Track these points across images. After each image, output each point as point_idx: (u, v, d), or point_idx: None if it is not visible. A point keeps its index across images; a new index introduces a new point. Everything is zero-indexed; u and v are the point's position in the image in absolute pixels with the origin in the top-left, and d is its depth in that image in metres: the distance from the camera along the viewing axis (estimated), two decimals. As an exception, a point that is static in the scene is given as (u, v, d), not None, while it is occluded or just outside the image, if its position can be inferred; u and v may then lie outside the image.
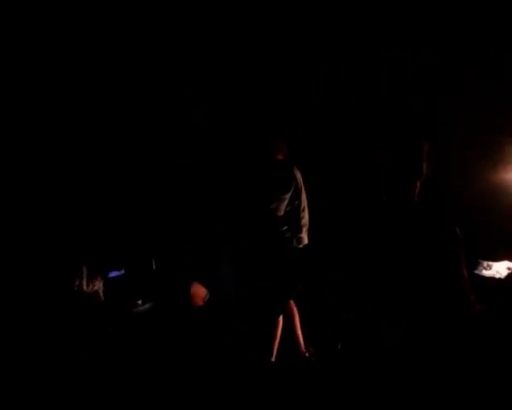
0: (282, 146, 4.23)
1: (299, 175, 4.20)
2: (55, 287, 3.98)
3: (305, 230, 4.23)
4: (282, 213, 4.09)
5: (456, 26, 4.95)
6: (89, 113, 4.92)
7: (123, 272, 4.23)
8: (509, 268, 4.44)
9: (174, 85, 5.07)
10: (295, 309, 4.30)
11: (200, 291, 3.95)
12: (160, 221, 4.33)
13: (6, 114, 4.66)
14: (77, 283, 3.97)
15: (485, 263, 4.46)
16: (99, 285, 4.06)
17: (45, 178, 4.69)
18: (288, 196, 4.10)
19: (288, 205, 4.12)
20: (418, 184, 3.79)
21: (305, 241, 4.24)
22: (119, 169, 4.93)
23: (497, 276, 4.38)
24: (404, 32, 5.03)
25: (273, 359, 4.08)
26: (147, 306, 4.08)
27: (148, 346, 3.75)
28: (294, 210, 4.16)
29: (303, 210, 4.23)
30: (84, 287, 3.98)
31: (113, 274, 4.21)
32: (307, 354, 4.21)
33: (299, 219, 4.19)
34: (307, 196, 4.31)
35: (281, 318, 4.19)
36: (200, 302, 3.94)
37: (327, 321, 4.55)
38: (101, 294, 4.07)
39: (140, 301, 4.10)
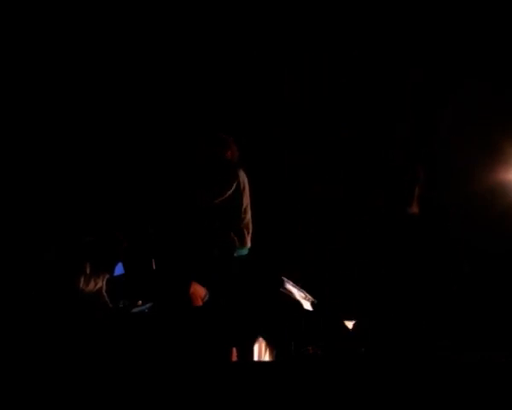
0: (230, 145, 4.20)
1: (243, 176, 4.18)
2: (57, 285, 4.00)
3: (246, 232, 4.20)
4: (221, 211, 4.09)
5: (456, 27, 4.96)
6: (90, 116, 4.96)
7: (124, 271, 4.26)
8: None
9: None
10: None
11: (199, 291, 3.95)
12: (160, 221, 4.34)
13: (6, 115, 4.68)
14: (80, 281, 3.99)
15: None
16: (102, 284, 4.08)
17: (48, 176, 4.72)
18: (228, 193, 4.07)
19: (228, 204, 4.11)
20: None
21: (248, 243, 4.21)
22: (121, 169, 4.96)
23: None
24: (404, 39, 5.05)
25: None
26: (147, 306, 4.09)
27: (147, 346, 3.75)
28: (235, 210, 4.15)
29: (244, 212, 4.20)
30: (88, 284, 4.01)
31: (118, 272, 4.23)
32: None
33: (240, 219, 4.17)
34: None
35: None
36: (199, 302, 3.94)
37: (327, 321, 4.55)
38: (104, 293, 4.08)
39: (140, 302, 4.12)
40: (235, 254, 4.13)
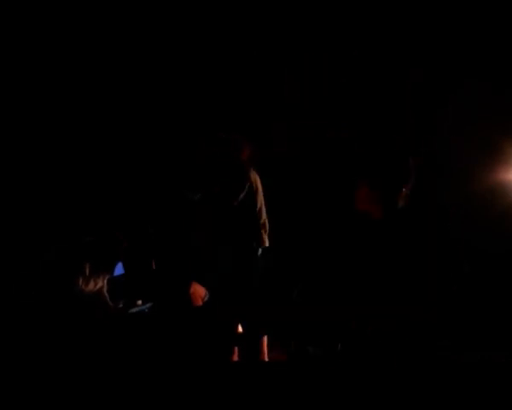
0: (241, 145, 4.07)
1: (255, 176, 4.12)
2: (57, 285, 4.00)
3: (264, 231, 4.17)
4: (235, 212, 4.04)
5: (456, 28, 4.96)
6: (90, 116, 4.97)
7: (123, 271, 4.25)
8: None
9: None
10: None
11: (199, 291, 3.95)
12: (160, 220, 4.34)
13: (6, 115, 4.68)
14: (80, 281, 3.99)
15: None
16: (102, 283, 4.08)
17: (48, 176, 4.72)
18: (241, 195, 4.00)
19: (241, 205, 4.04)
20: None
21: (266, 243, 4.18)
22: (121, 167, 4.96)
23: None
24: (404, 39, 5.05)
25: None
26: (147, 306, 4.09)
27: (147, 346, 3.76)
28: (249, 210, 4.10)
29: (259, 212, 4.15)
30: (87, 285, 4.00)
31: (118, 272, 4.23)
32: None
33: (256, 219, 4.13)
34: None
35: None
36: (199, 302, 3.94)
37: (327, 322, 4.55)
38: (105, 293, 4.08)
39: (140, 302, 4.11)
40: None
